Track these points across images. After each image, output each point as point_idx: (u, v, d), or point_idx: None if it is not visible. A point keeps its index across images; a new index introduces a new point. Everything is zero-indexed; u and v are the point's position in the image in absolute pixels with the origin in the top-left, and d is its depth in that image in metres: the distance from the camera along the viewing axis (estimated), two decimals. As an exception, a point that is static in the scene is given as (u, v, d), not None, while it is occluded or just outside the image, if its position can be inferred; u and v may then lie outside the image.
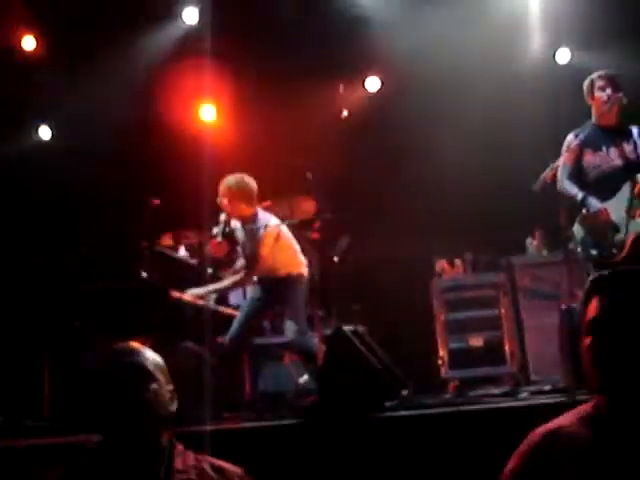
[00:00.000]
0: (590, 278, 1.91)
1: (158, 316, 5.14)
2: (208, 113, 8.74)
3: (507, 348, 6.76)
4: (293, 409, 4.60)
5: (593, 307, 1.87)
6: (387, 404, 4.00)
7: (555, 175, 4.99)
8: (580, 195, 5.04)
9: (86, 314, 5.15)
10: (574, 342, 4.12)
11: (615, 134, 5.15)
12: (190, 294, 5.50)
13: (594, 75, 5.21)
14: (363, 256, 7.55)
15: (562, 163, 5.13)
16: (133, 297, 5.00)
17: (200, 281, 5.67)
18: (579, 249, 5.10)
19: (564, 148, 5.20)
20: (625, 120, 5.23)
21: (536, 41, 7.70)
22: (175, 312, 5.25)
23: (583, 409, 1.94)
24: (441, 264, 7.30)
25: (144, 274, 5.05)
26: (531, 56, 7.68)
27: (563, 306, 4.86)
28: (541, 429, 1.93)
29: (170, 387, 2.26)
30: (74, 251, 5.32)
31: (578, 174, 5.16)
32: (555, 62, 7.78)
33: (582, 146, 5.11)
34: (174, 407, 2.25)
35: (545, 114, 6.87)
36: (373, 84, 8.65)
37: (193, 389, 4.22)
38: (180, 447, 2.25)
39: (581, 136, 5.12)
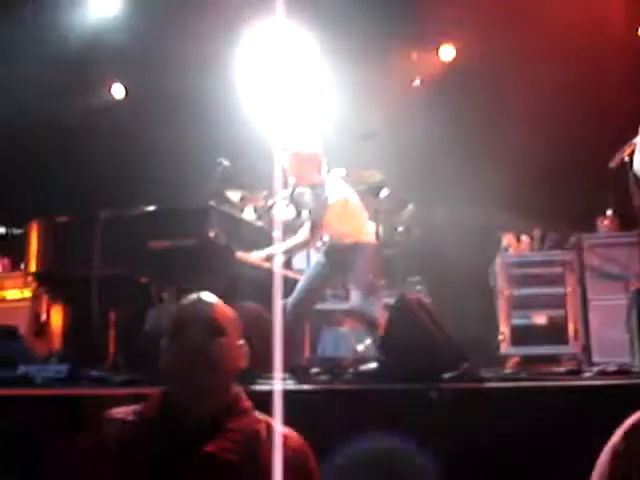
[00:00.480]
0: None
1: (223, 276, 5.19)
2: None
3: (571, 327, 6.65)
4: (352, 375, 4.61)
5: None
6: (447, 375, 3.98)
7: (632, 153, 4.84)
8: None
9: (153, 270, 5.24)
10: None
11: None
12: (254, 256, 5.53)
13: None
14: (428, 226, 7.50)
15: None
16: (199, 255, 5.06)
17: (266, 244, 5.70)
18: None
19: None
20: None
21: (623, 17, 7.47)
22: (240, 272, 5.30)
23: None
24: (508, 239, 7.20)
25: (211, 233, 5.09)
26: (617, 31, 7.45)
27: (633, 288, 4.75)
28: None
29: (240, 342, 2.24)
30: (143, 208, 5.39)
31: None
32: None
33: None
34: (243, 363, 2.23)
35: (627, 89, 6.69)
36: (448, 53, 8.52)
37: (253, 350, 4.25)
38: (245, 406, 2.22)
39: None
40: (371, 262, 5.66)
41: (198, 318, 2.16)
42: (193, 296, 2.24)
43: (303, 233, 5.84)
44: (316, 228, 5.63)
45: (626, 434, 1.85)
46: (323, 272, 5.78)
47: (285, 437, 2.20)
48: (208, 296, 2.26)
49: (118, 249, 5.20)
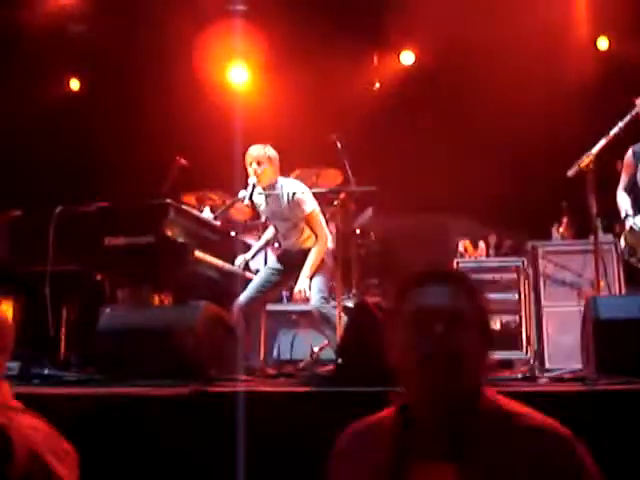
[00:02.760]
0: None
1: (179, 274, 5.14)
2: (240, 75, 8.70)
3: (524, 333, 6.72)
4: (309, 377, 4.59)
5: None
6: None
7: (590, 163, 4.91)
8: (624, 213, 5.45)
9: (109, 268, 5.15)
10: (597, 331, 4.10)
11: None
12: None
13: None
14: (386, 230, 7.51)
15: (622, 176, 5.57)
16: (156, 253, 4.99)
17: (224, 243, 5.66)
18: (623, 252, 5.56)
19: (624, 161, 5.57)
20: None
21: (578, 26, 7.60)
22: (197, 271, 5.24)
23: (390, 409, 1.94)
24: (464, 244, 7.25)
25: (168, 230, 5.02)
26: (572, 41, 7.57)
27: (588, 295, 4.82)
28: (352, 425, 1.96)
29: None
30: (99, 204, 5.29)
31: (632, 187, 5.50)
32: (596, 49, 7.68)
33: (637, 161, 5.47)
34: None
35: (584, 101, 6.79)
36: (408, 57, 8.57)
37: (212, 350, 4.21)
38: None
39: (637, 152, 5.48)
40: (328, 267, 5.67)
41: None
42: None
43: (272, 236, 5.92)
44: (321, 233, 5.66)
45: (334, 454, 1.94)
46: (277, 276, 5.76)
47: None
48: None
49: (73, 245, 5.10)
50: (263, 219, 6.14)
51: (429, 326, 1.78)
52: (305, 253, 5.62)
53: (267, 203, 5.74)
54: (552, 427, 1.82)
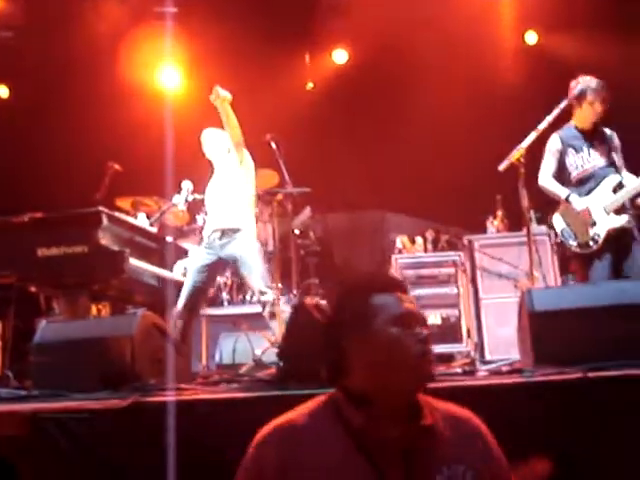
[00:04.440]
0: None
1: (115, 282, 5.06)
2: (170, 79, 8.60)
3: (464, 326, 6.81)
4: (251, 382, 4.56)
5: None
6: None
7: (521, 157, 4.98)
8: (564, 194, 5.40)
9: (43, 279, 5.05)
10: (533, 324, 4.17)
11: (593, 136, 5.51)
12: None
13: (595, 83, 5.42)
14: (324, 229, 7.52)
15: (545, 162, 5.53)
16: (90, 262, 4.90)
17: (160, 249, 5.60)
18: (559, 238, 5.48)
19: (547, 148, 5.54)
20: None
21: (506, 21, 7.72)
22: (132, 279, 5.17)
23: (316, 401, 2.09)
24: (402, 240, 7.32)
25: (102, 240, 4.94)
26: (500, 37, 7.69)
27: (524, 287, 4.90)
28: (271, 423, 2.04)
29: None
30: (31, 214, 5.17)
31: (561, 173, 5.52)
32: (525, 43, 7.81)
33: (565, 148, 5.49)
34: None
35: (513, 95, 6.89)
36: (341, 56, 8.59)
37: (151, 359, 4.16)
38: None
39: (563, 138, 5.51)
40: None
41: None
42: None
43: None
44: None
45: (257, 445, 2.01)
46: (204, 273, 5.66)
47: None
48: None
49: (5, 257, 4.98)
50: (201, 221, 6.07)
51: (414, 328, 2.04)
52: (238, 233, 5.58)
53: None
54: (467, 414, 2.16)
